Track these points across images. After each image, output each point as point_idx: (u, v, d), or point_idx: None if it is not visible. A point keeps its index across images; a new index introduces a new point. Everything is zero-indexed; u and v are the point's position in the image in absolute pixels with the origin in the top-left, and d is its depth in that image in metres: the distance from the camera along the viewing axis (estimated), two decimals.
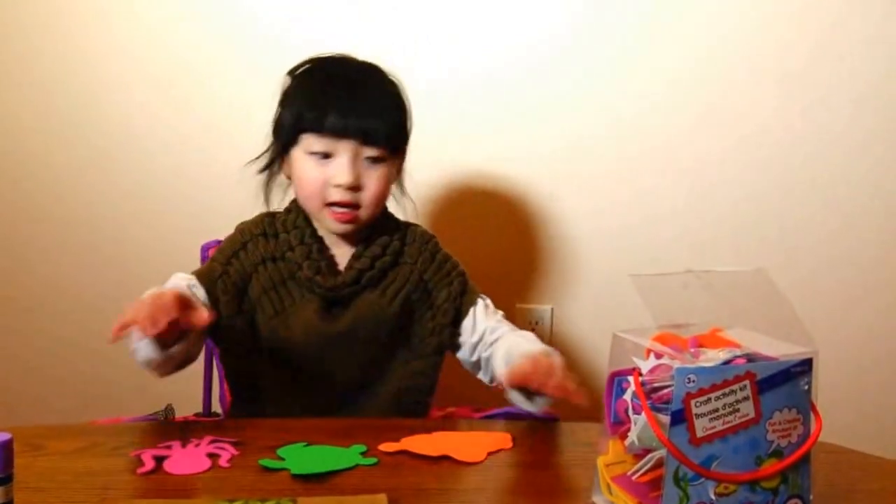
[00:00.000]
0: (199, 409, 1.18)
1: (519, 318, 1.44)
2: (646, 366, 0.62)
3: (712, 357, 0.62)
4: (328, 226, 1.01)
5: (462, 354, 1.05)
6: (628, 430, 0.62)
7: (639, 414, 0.61)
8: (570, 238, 1.47)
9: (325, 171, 0.98)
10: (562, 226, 1.47)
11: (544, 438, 0.86)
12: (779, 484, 0.62)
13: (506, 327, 1.04)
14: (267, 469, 0.73)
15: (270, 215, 1.06)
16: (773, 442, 0.62)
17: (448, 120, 1.42)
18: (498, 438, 0.82)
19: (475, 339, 1.04)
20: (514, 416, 0.90)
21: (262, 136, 1.05)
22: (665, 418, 0.59)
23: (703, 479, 0.59)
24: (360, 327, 0.99)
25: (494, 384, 1.01)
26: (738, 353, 0.62)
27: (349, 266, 1.01)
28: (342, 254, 1.03)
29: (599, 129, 1.44)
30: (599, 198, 1.46)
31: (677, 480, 0.59)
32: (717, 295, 0.73)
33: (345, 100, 0.98)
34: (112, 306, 1.45)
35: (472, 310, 1.05)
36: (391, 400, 1.00)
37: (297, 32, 1.39)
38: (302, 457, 0.76)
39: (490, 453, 0.78)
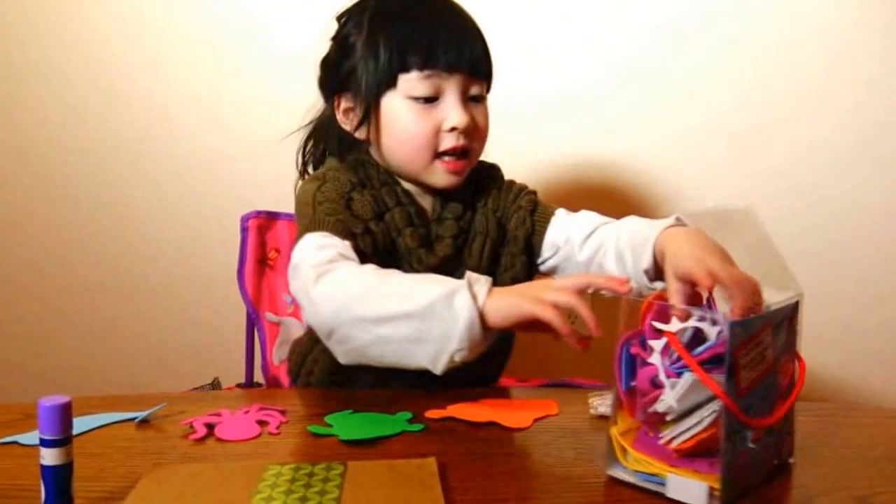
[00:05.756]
0: (241, 380, 1.18)
1: None
2: (672, 328, 0.60)
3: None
4: (434, 180, 0.91)
5: (566, 270, 0.94)
6: (654, 398, 0.60)
7: (674, 377, 0.59)
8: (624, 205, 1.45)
9: (434, 115, 0.88)
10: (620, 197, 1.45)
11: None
12: (782, 424, 0.64)
13: (599, 218, 0.93)
14: (315, 435, 0.74)
15: (352, 162, 0.93)
16: (780, 384, 0.63)
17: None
18: (544, 405, 0.81)
19: (567, 248, 0.93)
20: (564, 387, 0.89)
21: (294, 105, 0.99)
22: (720, 377, 0.58)
23: (743, 430, 0.59)
24: None
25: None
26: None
27: (439, 237, 0.92)
28: (427, 208, 0.94)
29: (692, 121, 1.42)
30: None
31: (730, 434, 0.58)
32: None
33: (447, 29, 0.88)
34: (155, 284, 1.51)
35: (550, 222, 0.95)
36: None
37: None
38: (349, 423, 0.77)
39: (536, 419, 0.78)
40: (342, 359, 0.79)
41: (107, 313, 1.53)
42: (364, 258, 0.83)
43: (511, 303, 0.71)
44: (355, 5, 0.95)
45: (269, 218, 1.17)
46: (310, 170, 1.03)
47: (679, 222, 0.80)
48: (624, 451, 0.63)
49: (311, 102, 1.01)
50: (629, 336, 0.63)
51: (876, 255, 1.45)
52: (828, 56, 1.40)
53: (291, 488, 0.61)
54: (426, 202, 0.95)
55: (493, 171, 1.01)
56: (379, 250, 0.88)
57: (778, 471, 0.66)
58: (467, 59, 0.88)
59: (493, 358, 0.96)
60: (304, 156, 1.03)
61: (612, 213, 0.98)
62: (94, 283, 1.53)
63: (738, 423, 0.59)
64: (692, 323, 0.60)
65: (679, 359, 0.60)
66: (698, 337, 0.61)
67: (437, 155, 0.90)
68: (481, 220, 0.95)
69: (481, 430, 0.76)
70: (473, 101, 0.91)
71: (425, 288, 0.73)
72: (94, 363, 1.54)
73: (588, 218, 0.96)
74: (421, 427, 0.76)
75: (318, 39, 0.97)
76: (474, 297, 0.71)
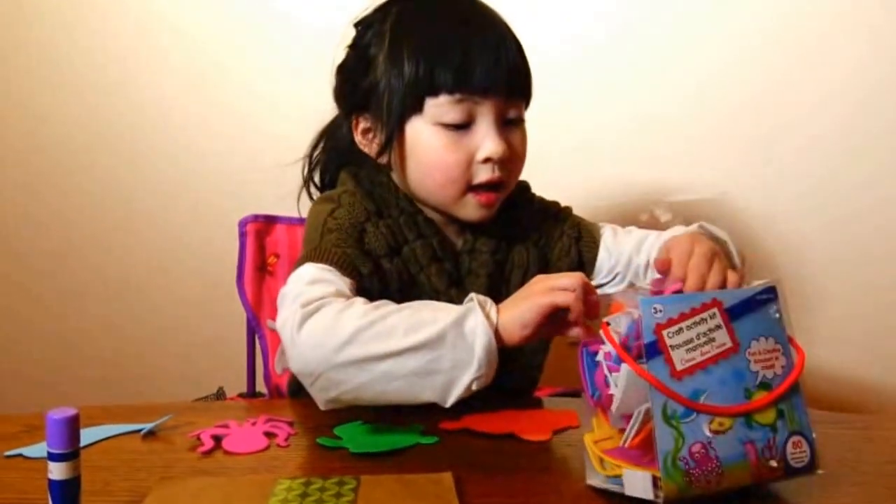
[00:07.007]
0: (244, 389, 1.16)
1: None
2: (617, 322, 0.61)
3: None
4: (465, 214, 0.82)
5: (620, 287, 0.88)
6: (609, 398, 0.60)
7: (617, 372, 0.59)
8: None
9: (466, 144, 0.79)
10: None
11: None
12: (775, 420, 0.61)
13: (654, 237, 0.88)
14: (325, 447, 0.72)
15: (367, 183, 0.84)
16: (758, 373, 0.61)
17: None
18: (564, 416, 0.79)
19: (631, 276, 0.87)
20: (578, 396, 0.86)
21: (295, 107, 0.98)
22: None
23: (694, 415, 0.58)
24: None
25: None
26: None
27: (472, 272, 0.84)
28: (454, 240, 0.86)
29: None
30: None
31: (667, 418, 0.57)
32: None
33: (480, 42, 0.77)
34: (152, 290, 1.50)
35: (600, 245, 0.89)
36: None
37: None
38: (360, 435, 0.75)
39: (556, 431, 0.76)
40: (324, 405, 0.73)
41: (103, 320, 1.52)
42: (372, 299, 0.73)
43: (523, 308, 0.68)
44: (376, 10, 0.86)
45: (268, 222, 1.13)
46: (315, 178, 0.98)
47: (702, 229, 0.78)
48: (601, 459, 0.63)
49: (310, 105, 0.95)
50: (587, 342, 0.64)
51: None
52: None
53: (303, 503, 0.59)
54: (453, 232, 0.87)
55: (525, 192, 0.93)
56: (391, 289, 0.80)
57: (788, 476, 0.61)
58: (503, 79, 0.78)
59: (522, 378, 0.91)
60: (310, 163, 0.97)
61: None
62: (90, 289, 1.52)
63: (680, 407, 0.57)
64: (630, 309, 0.60)
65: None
66: None
67: (470, 188, 0.81)
68: (521, 253, 0.88)
69: (498, 443, 0.74)
70: (510, 124, 0.82)
71: (432, 317, 0.68)
72: (92, 371, 1.52)
73: (645, 237, 0.90)
74: (435, 439, 0.74)
75: (336, 48, 0.89)
76: (487, 317, 0.68)
